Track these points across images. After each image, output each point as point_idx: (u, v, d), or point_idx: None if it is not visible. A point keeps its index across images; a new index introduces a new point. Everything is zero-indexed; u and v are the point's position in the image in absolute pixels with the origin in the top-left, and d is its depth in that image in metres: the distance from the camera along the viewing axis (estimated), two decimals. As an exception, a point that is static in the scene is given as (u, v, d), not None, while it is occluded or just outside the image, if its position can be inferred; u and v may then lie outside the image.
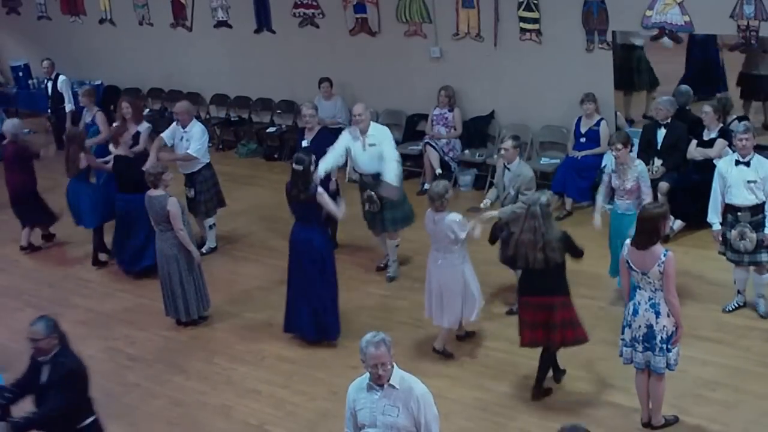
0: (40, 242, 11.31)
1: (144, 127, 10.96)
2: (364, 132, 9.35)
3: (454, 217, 7.64)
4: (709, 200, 8.27)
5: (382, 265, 9.83)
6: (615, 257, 8.49)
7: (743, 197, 7.98)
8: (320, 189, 8.22)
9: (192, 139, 10.26)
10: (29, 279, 10.56)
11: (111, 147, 10.14)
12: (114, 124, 9.95)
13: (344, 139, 9.46)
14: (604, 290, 8.92)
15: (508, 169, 8.40)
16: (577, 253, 7.19)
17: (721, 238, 8.20)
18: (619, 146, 8.22)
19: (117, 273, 10.28)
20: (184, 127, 10.37)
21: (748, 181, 7.92)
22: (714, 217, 8.20)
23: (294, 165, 8.17)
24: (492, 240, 8.45)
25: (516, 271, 8.01)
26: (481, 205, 8.65)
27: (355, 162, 9.57)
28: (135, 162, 9.80)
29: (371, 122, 9.49)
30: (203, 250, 10.22)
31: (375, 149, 9.29)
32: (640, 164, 8.44)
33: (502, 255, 8.37)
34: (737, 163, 8.00)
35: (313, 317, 8.37)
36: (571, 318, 7.12)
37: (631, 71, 11.47)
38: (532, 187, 8.26)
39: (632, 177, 8.26)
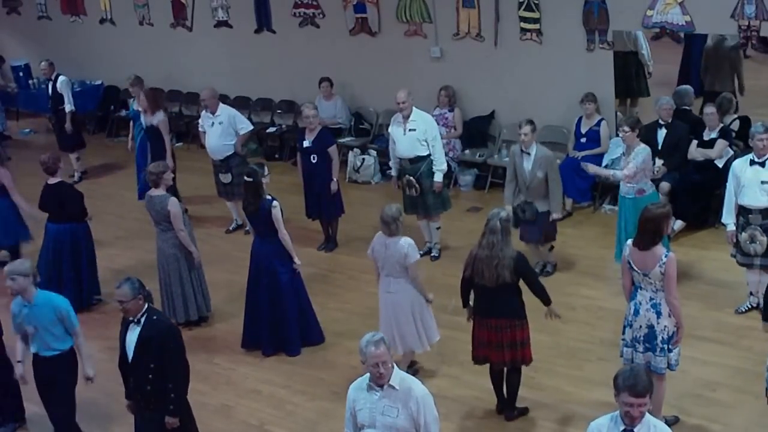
0: None
1: (158, 119, 11.22)
2: (406, 118, 9.57)
3: (408, 240, 7.37)
4: (724, 200, 8.20)
5: (422, 253, 9.86)
6: (619, 242, 8.52)
7: (756, 198, 7.88)
8: (275, 204, 8.12)
9: (236, 119, 10.77)
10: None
11: (49, 179, 9.39)
12: (47, 154, 9.68)
13: (390, 128, 9.86)
14: (604, 290, 8.92)
15: (528, 153, 8.78)
16: (532, 277, 6.91)
17: (734, 240, 8.11)
18: (626, 129, 8.42)
19: (116, 273, 10.26)
20: (213, 112, 10.70)
21: (762, 182, 7.81)
22: (728, 217, 8.11)
23: (245, 177, 8.28)
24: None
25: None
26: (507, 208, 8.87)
27: (395, 147, 9.78)
28: (69, 191, 9.46)
29: (414, 108, 9.63)
30: (247, 229, 10.39)
31: (414, 134, 9.57)
32: (644, 149, 8.48)
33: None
34: (752, 163, 7.88)
35: (272, 333, 8.37)
36: (512, 340, 6.87)
37: (629, 78, 11.52)
38: (557, 167, 9.00)
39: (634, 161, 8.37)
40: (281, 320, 8.33)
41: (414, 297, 7.47)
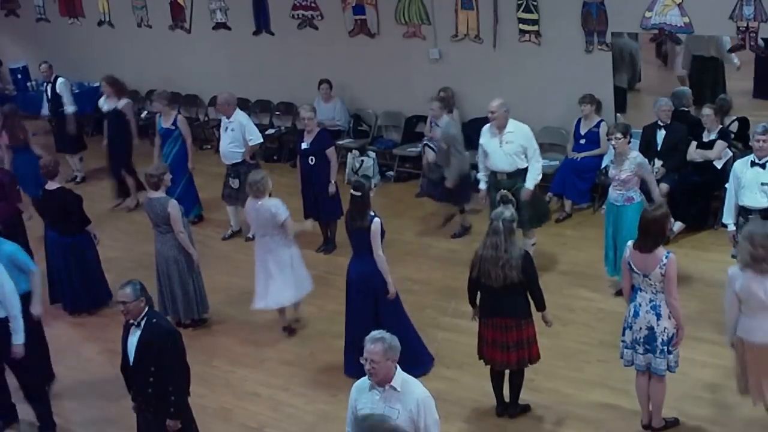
0: None
1: (123, 102, 11.80)
2: (501, 128, 9.03)
3: (274, 201, 8.32)
4: (723, 202, 8.20)
5: None
6: (608, 252, 8.54)
7: (755, 199, 7.86)
8: (376, 220, 7.51)
9: (246, 129, 10.67)
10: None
11: (48, 183, 9.27)
12: (45, 157, 9.51)
13: (482, 139, 9.26)
14: (604, 291, 8.92)
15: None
16: (535, 280, 6.87)
17: (735, 241, 8.04)
18: (619, 135, 8.30)
19: (114, 276, 10.25)
20: (228, 117, 10.70)
21: (762, 183, 7.79)
22: (729, 218, 8.09)
23: (352, 191, 7.59)
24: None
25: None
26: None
27: (489, 160, 9.18)
28: (70, 197, 9.33)
29: (510, 119, 9.09)
30: (249, 235, 10.35)
31: (511, 147, 9.00)
32: (638, 156, 8.45)
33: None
34: (753, 164, 7.87)
35: None
36: (519, 339, 6.90)
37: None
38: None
39: (628, 168, 8.32)
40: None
41: (289, 252, 8.41)
